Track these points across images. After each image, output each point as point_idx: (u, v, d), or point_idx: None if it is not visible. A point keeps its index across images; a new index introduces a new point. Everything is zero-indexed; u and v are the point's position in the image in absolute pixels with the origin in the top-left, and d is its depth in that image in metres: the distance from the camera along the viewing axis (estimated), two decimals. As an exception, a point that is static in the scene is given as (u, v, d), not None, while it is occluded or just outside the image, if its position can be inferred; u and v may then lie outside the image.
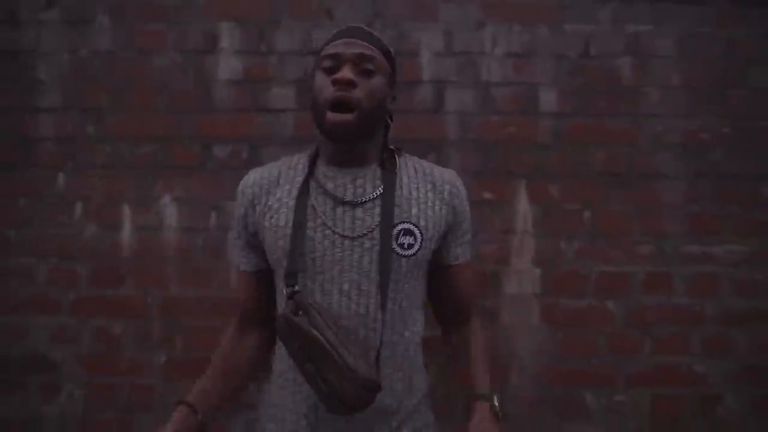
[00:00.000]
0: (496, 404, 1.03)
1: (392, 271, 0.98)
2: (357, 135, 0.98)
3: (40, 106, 1.75)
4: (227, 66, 1.76)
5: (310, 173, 1.04)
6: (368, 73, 0.98)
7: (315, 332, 0.89)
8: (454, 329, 1.15)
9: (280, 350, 1.08)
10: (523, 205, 1.75)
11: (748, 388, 1.74)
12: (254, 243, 1.08)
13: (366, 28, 1.04)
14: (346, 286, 0.98)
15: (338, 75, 0.95)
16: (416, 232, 1.01)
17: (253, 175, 1.09)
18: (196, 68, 1.76)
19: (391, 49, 1.06)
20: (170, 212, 1.74)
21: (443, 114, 1.76)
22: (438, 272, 1.11)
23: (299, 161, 1.09)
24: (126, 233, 1.74)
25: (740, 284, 1.75)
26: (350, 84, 0.95)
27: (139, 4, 1.77)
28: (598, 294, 1.75)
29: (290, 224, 1.00)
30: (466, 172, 1.74)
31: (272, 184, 1.06)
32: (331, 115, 0.95)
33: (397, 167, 1.05)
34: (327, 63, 0.98)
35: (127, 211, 1.74)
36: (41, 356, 1.71)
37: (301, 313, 0.92)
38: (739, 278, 1.75)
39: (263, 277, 1.10)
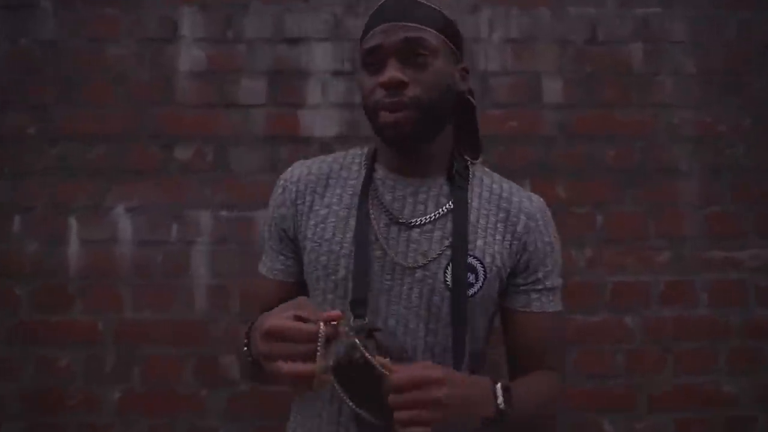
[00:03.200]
0: (500, 400, 0.77)
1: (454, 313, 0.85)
2: (419, 135, 0.85)
3: (-27, 102, 1.61)
4: (189, 56, 1.63)
5: (369, 178, 0.91)
6: (423, 62, 0.83)
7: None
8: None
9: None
10: (528, 208, 1.60)
11: None
12: (292, 248, 0.94)
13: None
14: (392, 322, 0.86)
15: (384, 77, 0.82)
16: (479, 268, 0.87)
17: (299, 169, 0.95)
18: (153, 58, 1.63)
19: (448, 14, 0.89)
20: (124, 224, 1.60)
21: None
22: (510, 317, 0.95)
23: (353, 160, 0.95)
24: (73, 248, 1.59)
25: (767, 292, 1.64)
26: (400, 85, 0.82)
27: (88, -13, 1.63)
28: (614, 307, 1.63)
29: (338, 238, 0.88)
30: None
31: (320, 184, 0.93)
32: (384, 115, 0.83)
33: (469, 184, 0.91)
34: (369, 59, 0.85)
35: (74, 222, 1.60)
36: (-27, 393, 1.56)
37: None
38: (765, 285, 1.65)
39: (298, 289, 0.95)
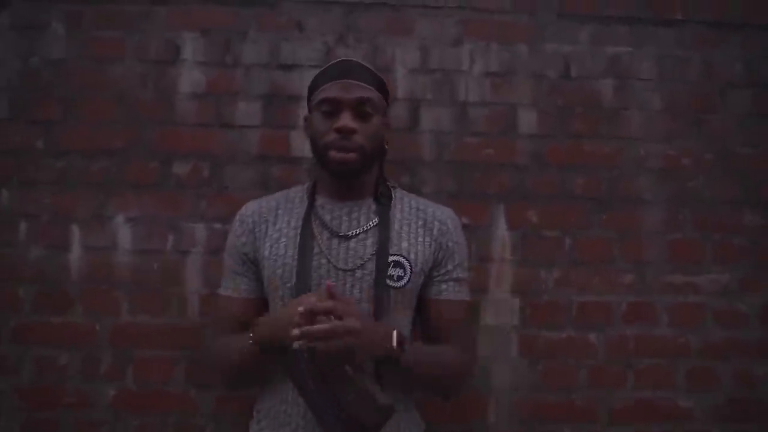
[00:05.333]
0: (394, 341, 0.99)
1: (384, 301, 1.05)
2: (359, 172, 1.07)
3: (-16, 116, 1.66)
4: (190, 78, 1.69)
5: (311, 204, 1.12)
6: (367, 116, 1.05)
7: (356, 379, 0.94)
8: None
9: (270, 386, 1.12)
10: (501, 231, 1.70)
11: (735, 423, 1.70)
12: (253, 270, 1.14)
13: (360, 62, 1.10)
14: None
15: (339, 124, 1.02)
16: (406, 264, 1.06)
17: (252, 206, 1.17)
18: (156, 79, 1.69)
19: (384, 79, 1.13)
20: (124, 233, 1.66)
21: (418, 133, 1.71)
22: (422, 306, 1.14)
23: (296, 195, 1.18)
24: (75, 255, 1.65)
25: (723, 315, 1.72)
26: (351, 132, 1.02)
27: (97, 11, 1.68)
28: (579, 325, 1.70)
29: (290, 253, 1.07)
30: (441, 195, 1.66)
31: (271, 215, 1.14)
32: (335, 154, 1.03)
33: (392, 202, 1.13)
34: (325, 108, 1.05)
35: (76, 230, 1.65)
36: (-24, 389, 1.61)
37: None
38: (721, 309, 1.72)
39: (258, 305, 1.15)
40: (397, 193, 1.17)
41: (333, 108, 1.04)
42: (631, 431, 1.67)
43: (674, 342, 1.70)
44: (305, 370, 0.96)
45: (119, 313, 1.63)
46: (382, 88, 1.11)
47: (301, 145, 1.66)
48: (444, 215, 1.15)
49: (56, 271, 1.63)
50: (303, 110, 1.70)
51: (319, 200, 1.13)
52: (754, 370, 1.71)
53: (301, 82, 1.66)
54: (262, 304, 1.16)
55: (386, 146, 1.16)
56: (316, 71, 1.15)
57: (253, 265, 1.14)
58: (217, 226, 1.64)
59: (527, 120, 1.72)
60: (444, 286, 1.13)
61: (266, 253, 1.10)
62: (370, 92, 1.06)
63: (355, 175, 1.08)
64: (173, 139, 1.68)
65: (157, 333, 1.63)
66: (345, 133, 1.02)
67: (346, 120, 1.02)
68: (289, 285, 1.06)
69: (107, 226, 1.65)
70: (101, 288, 1.63)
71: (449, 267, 1.13)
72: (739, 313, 1.72)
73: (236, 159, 1.68)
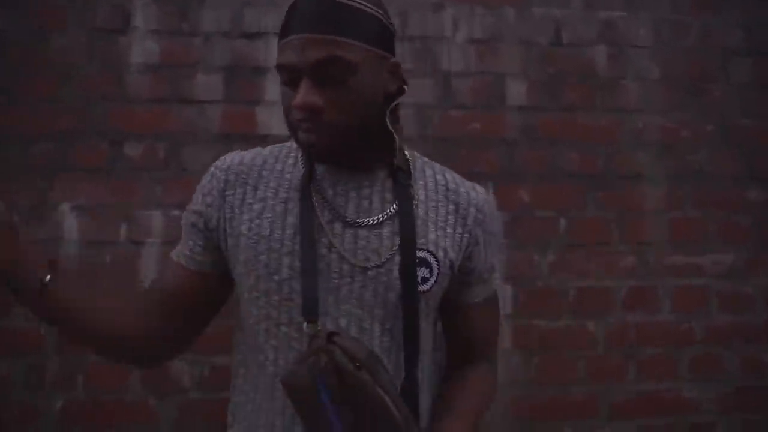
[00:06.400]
0: None
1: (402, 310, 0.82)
2: (339, 154, 0.79)
3: None
4: (142, 48, 1.55)
5: (311, 172, 0.84)
6: (338, 80, 0.75)
7: (380, 392, 0.72)
8: (455, 374, 0.94)
9: (254, 405, 0.84)
10: (491, 211, 1.57)
11: (742, 413, 1.62)
12: (212, 240, 0.86)
13: None
14: (343, 322, 0.80)
15: (297, 101, 0.74)
16: (433, 263, 0.83)
17: (232, 158, 0.87)
18: (104, 51, 1.54)
19: (374, 9, 0.79)
20: (70, 223, 1.51)
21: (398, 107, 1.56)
22: (453, 310, 0.92)
23: (290, 153, 0.89)
24: None
25: (728, 298, 1.64)
26: (316, 110, 0.74)
27: (34, -26, 1.52)
28: (577, 313, 1.60)
29: (277, 235, 0.81)
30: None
31: (252, 176, 0.86)
32: (302, 135, 0.77)
33: (412, 177, 0.87)
34: (284, 76, 0.77)
35: (16, 221, 1.45)
36: None
37: (358, 365, 0.73)
38: (726, 291, 1.64)
39: (202, 281, 0.86)
40: (417, 163, 0.90)
41: (291, 76, 0.76)
42: (633, 426, 1.59)
43: (677, 329, 1.62)
44: None
45: (67, 314, 1.47)
46: (373, 29, 0.79)
47: (268, 122, 1.52)
48: (480, 198, 0.89)
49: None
50: (270, 83, 1.58)
51: (319, 168, 0.86)
52: (761, 356, 1.63)
53: (267, 51, 1.53)
54: (221, 282, 0.90)
55: (397, 96, 0.84)
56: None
57: (212, 234, 0.86)
58: (176, 213, 1.51)
59: (516, 91, 1.62)
60: (478, 289, 0.91)
61: (244, 228, 0.83)
62: (342, 46, 0.75)
63: (335, 158, 0.81)
64: (124, 118, 1.53)
65: (110, 335, 1.48)
66: (303, 111, 0.75)
67: (304, 95, 0.74)
68: (277, 278, 0.81)
69: (52, 215, 1.50)
70: (46, 286, 1.47)
71: (486, 265, 0.90)
72: (745, 296, 1.64)
73: (196, 138, 1.54)
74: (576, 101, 1.63)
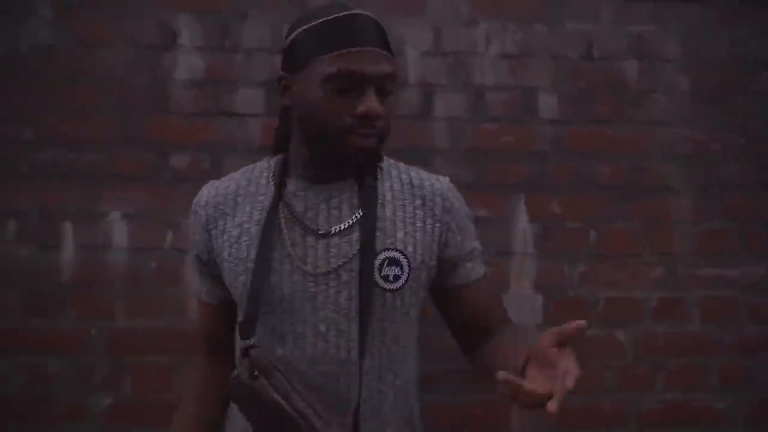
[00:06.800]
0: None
1: (375, 309, 0.86)
2: (379, 158, 0.91)
3: (-33, 107, 1.58)
4: (186, 64, 1.60)
5: (279, 194, 0.88)
6: (388, 95, 0.84)
7: (277, 397, 0.75)
8: (482, 346, 0.97)
9: (234, 412, 0.94)
10: (522, 223, 1.60)
11: None
12: (208, 272, 0.95)
13: (375, 19, 0.84)
14: (322, 327, 0.84)
15: (365, 109, 0.78)
16: (403, 261, 0.87)
17: (207, 192, 0.94)
18: (150, 65, 1.60)
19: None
20: (119, 230, 1.57)
21: (431, 120, 1.62)
22: (448, 297, 0.96)
23: (261, 174, 0.93)
24: (67, 254, 1.56)
25: (758, 309, 1.64)
26: (378, 117, 0.80)
27: (86, -7, 1.60)
28: (606, 322, 1.61)
29: (252, 257, 0.86)
30: (457, 186, 1.56)
31: (229, 204, 0.91)
32: (356, 139, 0.80)
33: (378, 179, 0.91)
34: (342, 83, 0.79)
35: (68, 228, 1.57)
36: (-41, 400, 1.52)
37: (257, 373, 0.77)
38: (756, 303, 1.64)
39: (228, 309, 0.99)
40: (384, 165, 0.94)
41: (351, 84, 0.79)
42: (661, 435, 1.59)
43: (706, 339, 1.62)
44: None
45: (114, 318, 1.55)
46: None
47: (307, 134, 1.55)
48: (443, 187, 0.93)
49: (46, 272, 1.55)
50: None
51: (290, 185, 0.89)
52: (791, 368, 1.62)
53: (305, 66, 1.55)
54: (228, 311, 1.00)
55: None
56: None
57: (208, 267, 0.94)
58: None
59: (547, 104, 1.64)
60: (468, 266, 0.94)
61: (225, 254, 0.89)
62: (395, 64, 0.84)
63: (376, 161, 0.89)
64: (170, 129, 1.59)
65: (154, 339, 1.55)
66: (372, 118, 0.79)
67: (372, 103, 0.79)
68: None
69: (101, 222, 1.57)
70: (95, 290, 1.55)
71: (467, 245, 0.94)
72: (775, 308, 1.63)
73: (237, 149, 1.59)
74: (606, 114, 1.65)
